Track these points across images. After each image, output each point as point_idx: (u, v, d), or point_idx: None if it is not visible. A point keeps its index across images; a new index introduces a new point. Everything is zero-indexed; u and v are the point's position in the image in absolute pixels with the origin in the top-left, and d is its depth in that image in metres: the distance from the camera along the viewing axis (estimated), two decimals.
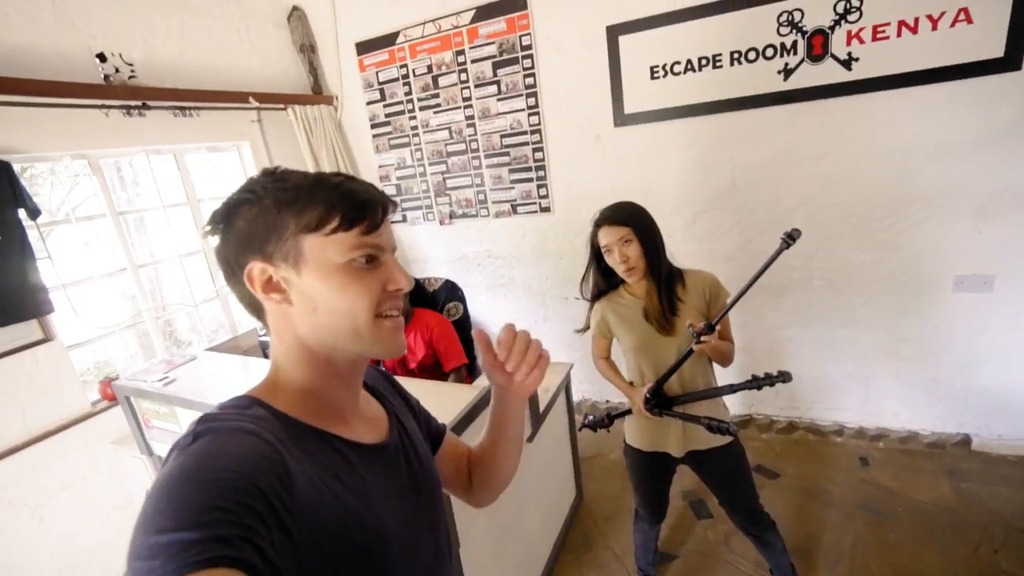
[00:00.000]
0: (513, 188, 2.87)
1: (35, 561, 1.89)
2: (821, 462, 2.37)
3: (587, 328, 1.58)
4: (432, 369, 2.16)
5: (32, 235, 1.87)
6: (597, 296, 1.54)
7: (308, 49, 3.00)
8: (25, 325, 1.84)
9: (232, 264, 0.56)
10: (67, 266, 2.10)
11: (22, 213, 1.83)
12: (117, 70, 2.11)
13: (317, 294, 0.54)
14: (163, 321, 2.60)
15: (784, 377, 1.26)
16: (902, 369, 2.36)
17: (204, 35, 2.52)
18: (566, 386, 2.14)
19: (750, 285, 1.22)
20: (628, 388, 1.53)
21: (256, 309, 0.59)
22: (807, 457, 2.44)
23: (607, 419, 1.63)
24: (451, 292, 2.46)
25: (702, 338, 1.24)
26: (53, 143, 1.98)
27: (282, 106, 2.82)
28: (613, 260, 1.40)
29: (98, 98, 2.04)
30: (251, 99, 2.62)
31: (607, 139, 2.58)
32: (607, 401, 3.07)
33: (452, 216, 3.10)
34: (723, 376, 1.52)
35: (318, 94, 3.07)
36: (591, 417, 1.66)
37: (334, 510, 0.50)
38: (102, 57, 2.06)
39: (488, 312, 3.25)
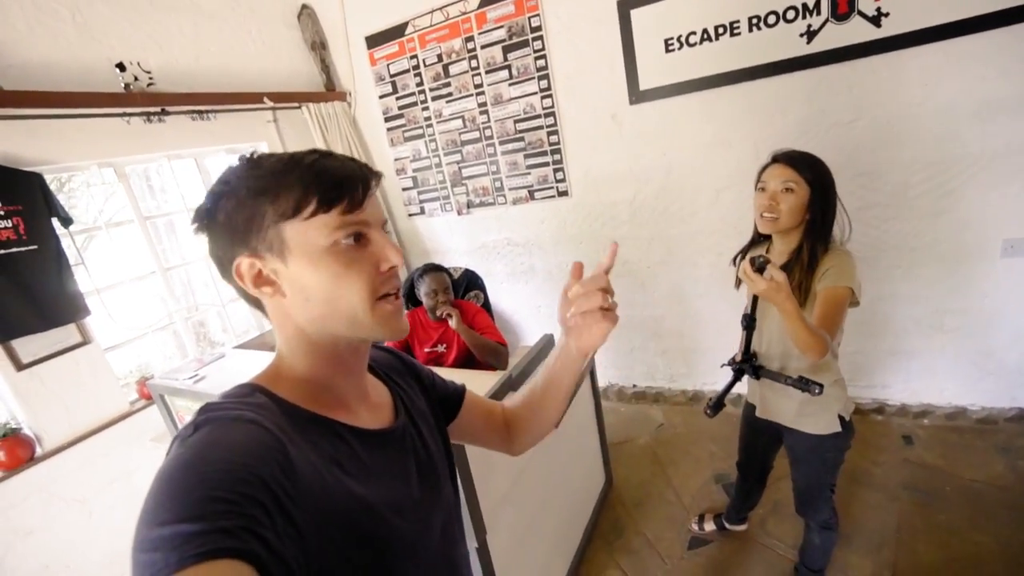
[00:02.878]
0: (529, 174, 2.83)
1: (87, 553, 1.98)
2: (862, 442, 2.26)
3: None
4: (468, 360, 2.17)
5: (67, 243, 1.94)
6: (745, 250, 1.42)
7: (319, 46, 3.02)
8: (64, 329, 1.92)
9: (223, 260, 0.54)
10: (103, 271, 2.18)
11: (56, 222, 1.91)
12: (136, 78, 2.16)
13: (308, 283, 0.52)
14: (195, 322, 2.68)
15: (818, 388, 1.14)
16: (947, 342, 2.23)
17: (217, 39, 2.56)
18: (591, 371, 2.11)
19: None
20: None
21: (255, 302, 0.57)
22: None
23: (721, 401, 1.36)
24: (472, 281, 2.46)
25: (756, 272, 1.06)
26: (79, 153, 2.04)
27: (296, 105, 2.84)
28: (760, 201, 1.23)
29: (119, 107, 2.10)
30: (266, 99, 2.66)
31: (623, 118, 2.51)
32: (634, 386, 3.02)
33: (469, 205, 3.08)
34: None
35: (331, 91, 3.09)
36: (712, 400, 1.37)
37: (338, 496, 0.50)
38: (121, 67, 2.11)
39: (510, 300, 3.23)
